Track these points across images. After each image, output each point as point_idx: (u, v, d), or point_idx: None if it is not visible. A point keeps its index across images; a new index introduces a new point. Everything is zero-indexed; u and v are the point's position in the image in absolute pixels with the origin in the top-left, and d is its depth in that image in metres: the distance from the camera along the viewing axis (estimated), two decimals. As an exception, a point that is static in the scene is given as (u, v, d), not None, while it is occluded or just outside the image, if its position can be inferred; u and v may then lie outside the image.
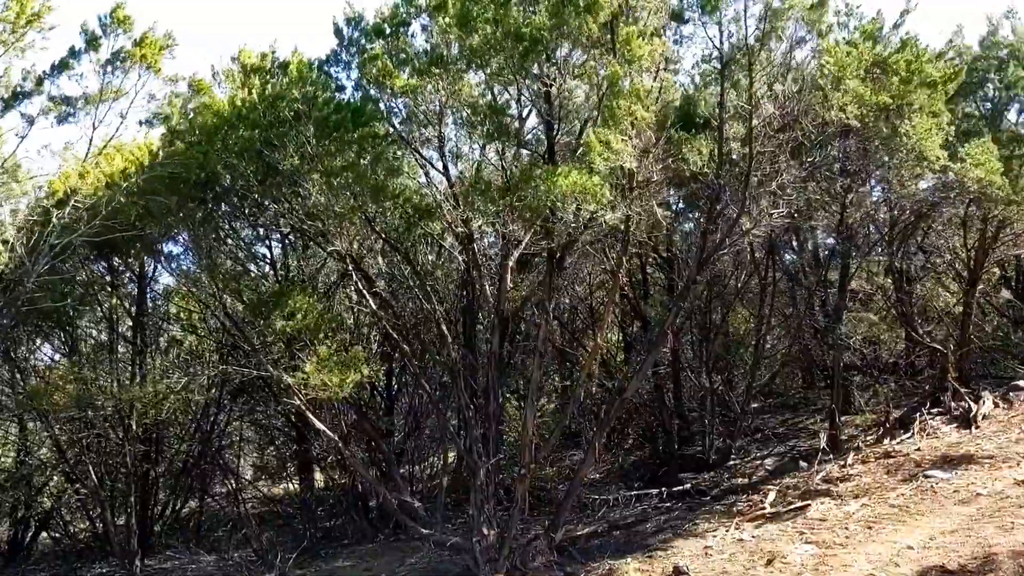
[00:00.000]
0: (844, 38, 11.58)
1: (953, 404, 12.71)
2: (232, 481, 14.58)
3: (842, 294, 12.57)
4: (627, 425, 15.18)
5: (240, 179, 9.72)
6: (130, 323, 12.84)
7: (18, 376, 12.25)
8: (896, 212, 12.53)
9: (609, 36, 8.02)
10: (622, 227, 8.81)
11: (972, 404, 12.44)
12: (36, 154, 11.18)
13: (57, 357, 13.37)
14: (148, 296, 12.88)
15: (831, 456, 11.83)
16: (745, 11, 8.58)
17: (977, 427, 11.91)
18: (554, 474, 13.61)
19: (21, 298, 9.78)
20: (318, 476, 14.39)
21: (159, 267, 12.52)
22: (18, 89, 9.26)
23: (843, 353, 13.07)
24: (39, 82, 9.40)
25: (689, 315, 13.27)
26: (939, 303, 14.73)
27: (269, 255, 12.61)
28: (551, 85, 8.37)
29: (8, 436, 14.10)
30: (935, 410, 12.80)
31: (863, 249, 13.24)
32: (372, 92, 9.18)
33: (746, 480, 12.13)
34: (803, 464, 11.97)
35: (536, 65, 8.23)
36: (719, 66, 9.04)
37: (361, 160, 8.74)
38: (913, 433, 12.12)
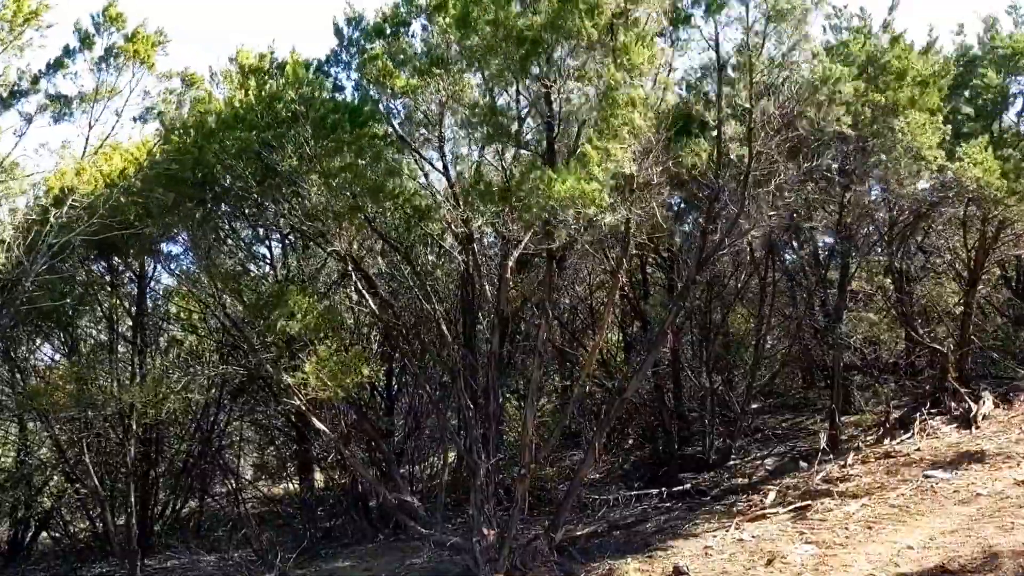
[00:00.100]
0: (838, 39, 11.61)
1: (953, 404, 12.71)
2: (232, 481, 14.58)
3: (842, 294, 12.56)
4: (627, 425, 15.18)
5: (239, 180, 9.71)
6: (130, 323, 12.84)
7: (18, 376, 12.25)
8: (895, 212, 12.52)
9: (609, 38, 8.02)
10: (622, 228, 8.81)
11: (972, 404, 12.43)
12: (34, 152, 11.19)
13: (57, 357, 13.38)
14: (148, 296, 12.87)
15: (831, 456, 11.83)
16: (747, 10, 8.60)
17: (977, 427, 11.90)
18: (554, 474, 13.61)
19: (20, 298, 9.78)
20: (318, 476, 14.39)
21: (159, 267, 12.52)
22: (15, 88, 9.27)
23: (843, 353, 13.07)
24: (35, 81, 9.42)
25: (689, 315, 13.28)
26: (939, 303, 14.72)
27: (269, 255, 12.62)
28: (551, 87, 8.37)
29: (8, 436, 14.11)
30: (935, 410, 12.79)
31: (863, 249, 13.23)
32: (372, 92, 9.18)
33: (746, 480, 12.13)
34: (803, 464, 11.97)
35: (536, 66, 8.23)
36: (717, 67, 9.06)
37: (360, 160, 8.73)
38: (913, 433, 12.11)
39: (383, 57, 8.58)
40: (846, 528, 9.18)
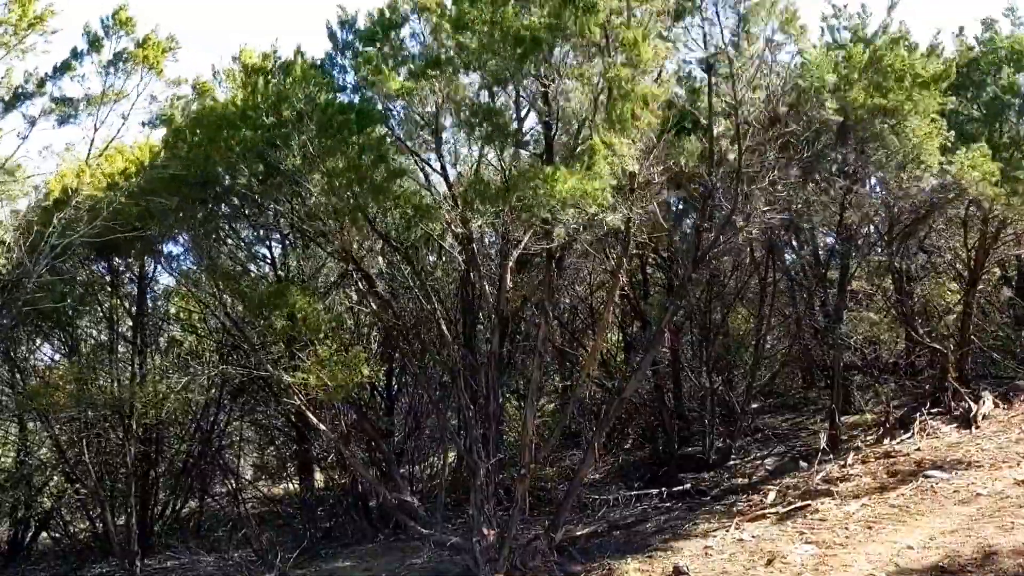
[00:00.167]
0: (836, 40, 11.62)
1: (953, 404, 12.70)
2: (232, 481, 14.59)
3: (842, 294, 12.56)
4: (627, 425, 15.19)
5: (241, 179, 9.72)
6: (130, 323, 12.84)
7: (18, 376, 12.25)
8: (896, 212, 12.52)
9: (605, 38, 8.02)
10: (622, 228, 8.82)
11: (972, 404, 12.43)
12: (38, 155, 11.20)
13: (57, 357, 13.38)
14: (148, 296, 12.87)
15: (831, 456, 11.83)
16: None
17: (977, 427, 11.90)
18: (554, 474, 13.61)
19: (21, 298, 9.79)
20: (318, 476, 14.39)
21: (159, 267, 12.52)
22: (19, 91, 9.25)
23: (843, 353, 13.07)
24: (41, 84, 9.40)
25: (689, 315, 13.28)
26: (939, 303, 14.72)
27: (269, 255, 12.62)
28: (549, 86, 8.37)
29: (8, 436, 14.11)
30: (935, 410, 12.79)
31: (863, 249, 13.23)
32: (369, 94, 9.18)
33: (746, 480, 12.13)
34: (803, 464, 11.97)
35: (534, 66, 8.23)
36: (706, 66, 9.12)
37: (362, 161, 8.73)
38: (913, 433, 12.11)
39: (377, 60, 8.58)
40: (846, 528, 9.18)
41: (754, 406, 14.75)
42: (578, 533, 10.33)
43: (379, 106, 9.14)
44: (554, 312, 11.42)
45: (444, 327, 9.80)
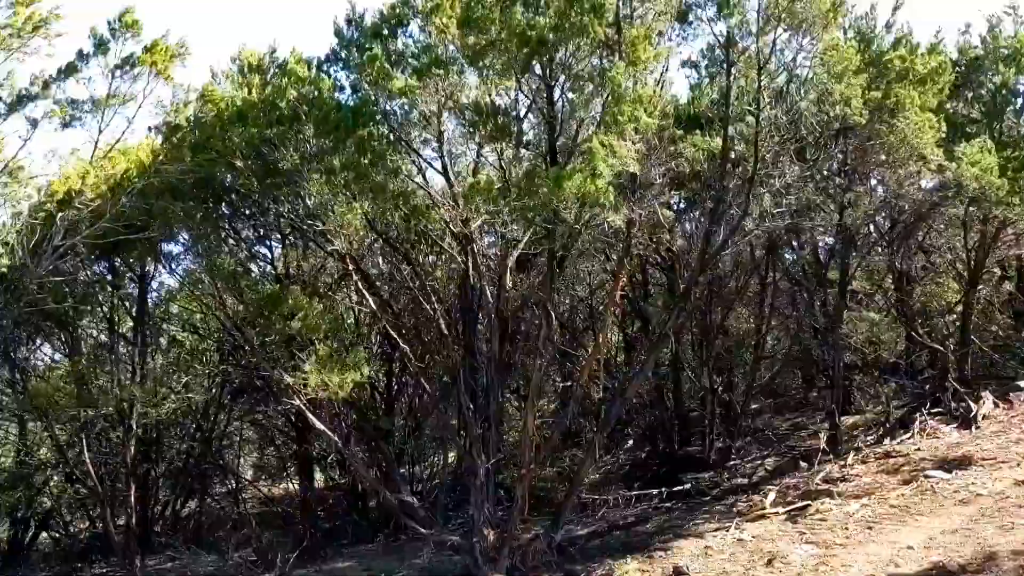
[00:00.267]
0: (839, 37, 11.60)
1: (953, 404, 12.70)
2: (232, 481, 14.60)
3: (842, 294, 12.56)
4: (627, 425, 15.19)
5: (241, 178, 9.71)
6: (131, 323, 12.85)
7: (18, 376, 12.25)
8: (896, 212, 12.52)
9: (616, 35, 8.02)
10: (624, 228, 8.81)
11: (972, 404, 12.42)
12: (42, 158, 11.18)
13: (58, 357, 13.38)
14: (149, 296, 12.87)
15: (831, 456, 11.82)
16: (759, 10, 8.57)
17: (977, 427, 11.89)
18: (554, 474, 13.62)
19: (23, 298, 9.78)
20: (318, 476, 14.40)
21: (160, 267, 12.53)
22: (23, 93, 9.23)
23: (843, 353, 13.06)
24: (46, 86, 9.37)
25: (689, 315, 13.27)
26: (939, 303, 14.71)
27: (269, 255, 12.63)
28: (553, 86, 8.38)
29: (8, 436, 14.11)
30: (935, 410, 12.78)
31: (863, 249, 13.23)
32: (371, 93, 9.17)
33: (746, 480, 12.13)
34: (803, 464, 11.96)
35: (539, 66, 8.23)
36: (725, 67, 9.06)
37: (361, 160, 8.73)
38: (913, 433, 12.11)
39: (381, 58, 8.58)
40: (846, 528, 9.18)
41: (754, 406, 14.76)
42: (578, 533, 10.33)
43: (380, 105, 9.14)
44: (554, 312, 11.42)
45: (444, 327, 9.80)
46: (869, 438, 12.64)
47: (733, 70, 9.06)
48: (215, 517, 14.96)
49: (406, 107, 9.04)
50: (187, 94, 10.11)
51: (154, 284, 13.06)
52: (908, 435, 12.10)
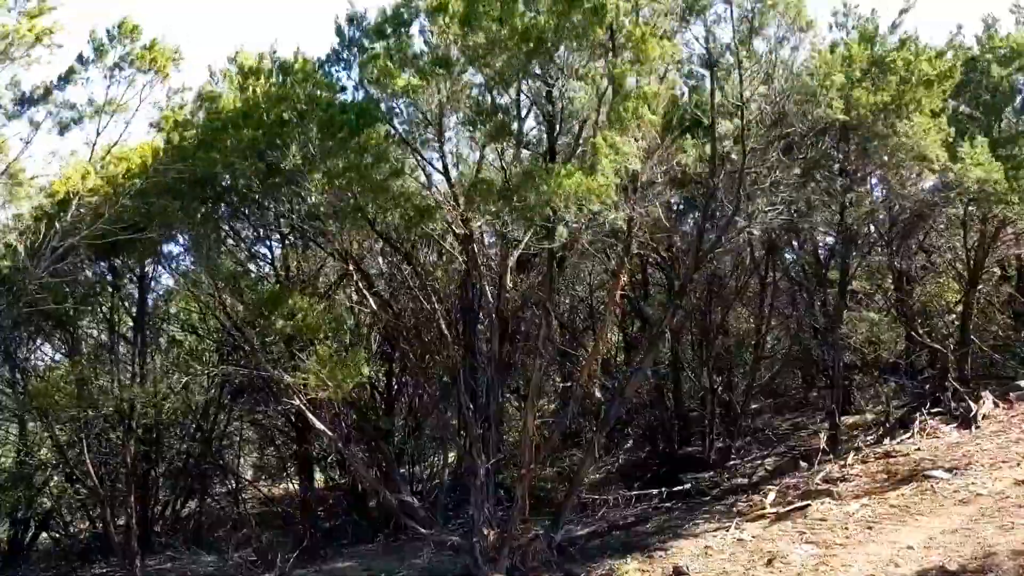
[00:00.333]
0: (842, 38, 11.61)
1: (953, 404, 12.71)
2: (232, 481, 14.60)
3: (842, 294, 12.56)
4: (627, 425, 15.19)
5: (241, 178, 9.72)
6: (130, 323, 12.85)
7: (18, 376, 12.25)
8: (896, 212, 12.53)
9: (611, 38, 8.02)
10: (624, 228, 8.82)
11: (972, 404, 12.43)
12: (43, 161, 11.19)
13: (58, 357, 13.38)
14: (149, 296, 12.88)
15: (831, 456, 11.83)
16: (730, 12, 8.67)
17: (977, 427, 11.90)
18: (554, 474, 13.62)
19: (23, 299, 9.79)
20: (318, 476, 14.40)
21: (159, 267, 12.53)
22: (25, 97, 9.29)
23: (843, 353, 13.07)
24: (47, 91, 9.45)
25: (689, 315, 13.28)
26: (939, 303, 14.72)
27: (269, 255, 12.63)
28: (553, 85, 8.38)
29: (8, 436, 14.11)
30: (935, 410, 12.79)
31: (863, 249, 13.24)
32: (373, 92, 9.18)
33: (746, 480, 12.13)
34: (803, 464, 11.97)
35: (539, 65, 8.23)
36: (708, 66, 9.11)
37: (363, 160, 8.73)
38: (913, 433, 12.11)
39: (384, 57, 8.58)
40: (846, 528, 9.19)
41: (754, 406, 14.76)
42: (578, 533, 10.33)
43: (382, 105, 9.14)
44: (554, 312, 11.42)
45: (444, 327, 9.80)
46: (869, 438, 12.65)
47: (715, 70, 9.13)
48: (215, 517, 14.96)
49: (409, 106, 9.04)
50: (182, 95, 10.16)
51: (154, 284, 13.08)
52: (908, 435, 12.11)
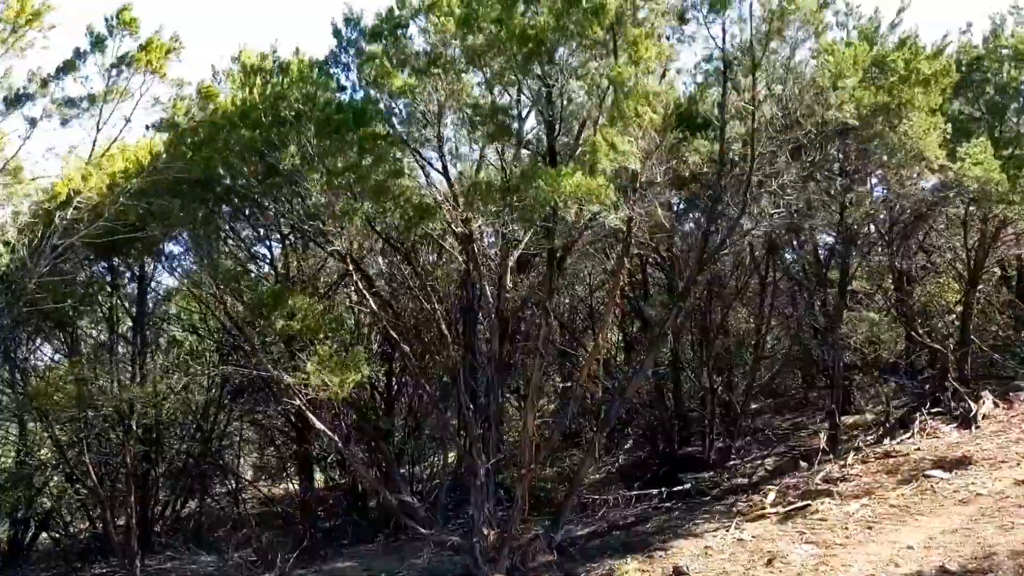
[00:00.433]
0: (842, 38, 11.60)
1: (953, 404, 12.70)
2: (232, 481, 14.60)
3: (842, 294, 12.56)
4: (627, 425, 15.19)
5: (241, 179, 9.71)
6: (130, 323, 12.85)
7: (18, 376, 12.25)
8: (896, 212, 12.52)
9: (611, 38, 8.02)
10: (623, 228, 8.81)
11: (972, 404, 12.42)
12: (40, 156, 11.13)
13: (57, 357, 13.38)
14: (148, 296, 12.87)
15: (831, 456, 11.82)
16: (751, 11, 8.58)
17: (977, 427, 11.89)
18: (554, 474, 13.62)
19: (22, 298, 9.78)
20: (318, 476, 14.39)
21: (159, 267, 12.53)
22: (21, 91, 9.22)
23: (843, 353, 13.06)
24: (44, 84, 9.36)
25: (689, 315, 13.28)
26: (939, 303, 14.72)
27: (269, 255, 12.63)
28: (553, 86, 8.37)
29: (8, 436, 14.11)
30: (935, 410, 12.78)
31: (863, 249, 13.23)
32: (372, 92, 9.17)
33: (746, 480, 12.13)
34: (803, 464, 11.96)
35: (538, 66, 8.23)
36: (721, 67, 9.04)
37: (363, 161, 8.72)
38: (913, 433, 12.11)
39: (382, 57, 8.57)
40: (846, 528, 9.18)
41: (754, 406, 14.75)
42: (578, 533, 10.32)
43: (380, 105, 9.13)
44: (554, 312, 11.42)
45: (444, 327, 9.80)
46: (869, 438, 12.64)
47: (728, 71, 9.07)
48: (215, 517, 14.95)
49: (407, 106, 9.04)
50: (181, 89, 10.12)
51: (154, 284, 13.08)
52: (908, 435, 12.10)
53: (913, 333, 13.75)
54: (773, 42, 8.86)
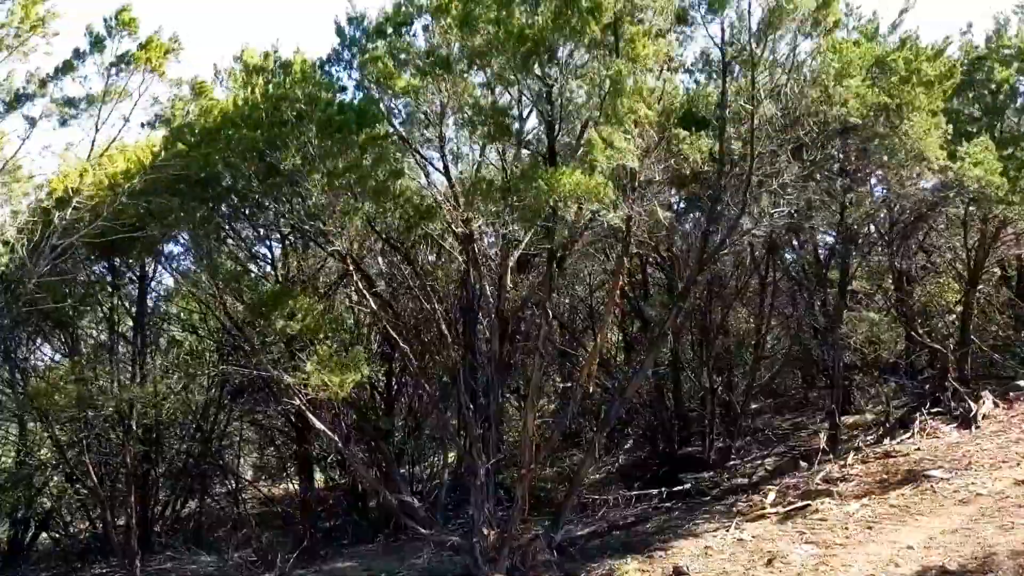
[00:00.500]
0: (842, 38, 11.60)
1: (953, 404, 12.70)
2: (232, 481, 14.60)
3: (842, 294, 12.56)
4: (627, 425, 15.19)
5: (241, 179, 9.71)
6: (130, 323, 12.85)
7: (18, 376, 12.26)
8: (896, 212, 12.53)
9: (612, 37, 8.02)
10: (623, 227, 8.81)
11: (972, 404, 12.43)
12: (39, 155, 11.13)
13: (57, 357, 13.38)
14: (148, 296, 12.87)
15: (831, 456, 11.83)
16: (749, 10, 8.58)
17: (977, 427, 11.90)
18: (554, 474, 13.62)
19: (22, 298, 9.78)
20: (318, 476, 14.39)
21: (160, 267, 12.52)
22: (21, 92, 9.23)
23: (843, 353, 13.07)
24: (43, 84, 9.37)
25: (689, 315, 13.28)
26: (939, 303, 14.72)
27: (269, 255, 12.63)
28: (553, 85, 8.38)
29: (8, 436, 14.11)
30: (935, 410, 12.79)
31: (863, 249, 13.23)
32: (373, 92, 9.17)
33: (746, 480, 12.13)
34: (803, 464, 11.97)
35: (538, 66, 8.23)
36: (721, 66, 9.04)
37: (364, 161, 8.72)
38: (913, 433, 12.11)
39: (385, 57, 8.57)
40: (846, 528, 9.19)
41: (754, 406, 14.75)
42: (578, 533, 10.33)
43: (382, 105, 9.13)
44: (554, 312, 11.42)
45: (444, 327, 9.80)
46: (869, 438, 12.64)
47: (728, 69, 9.07)
48: (215, 517, 14.95)
49: (409, 107, 9.04)
50: (179, 89, 10.11)
51: (154, 284, 13.08)
52: (908, 435, 12.11)
53: (913, 333, 13.75)
54: (772, 40, 8.85)
